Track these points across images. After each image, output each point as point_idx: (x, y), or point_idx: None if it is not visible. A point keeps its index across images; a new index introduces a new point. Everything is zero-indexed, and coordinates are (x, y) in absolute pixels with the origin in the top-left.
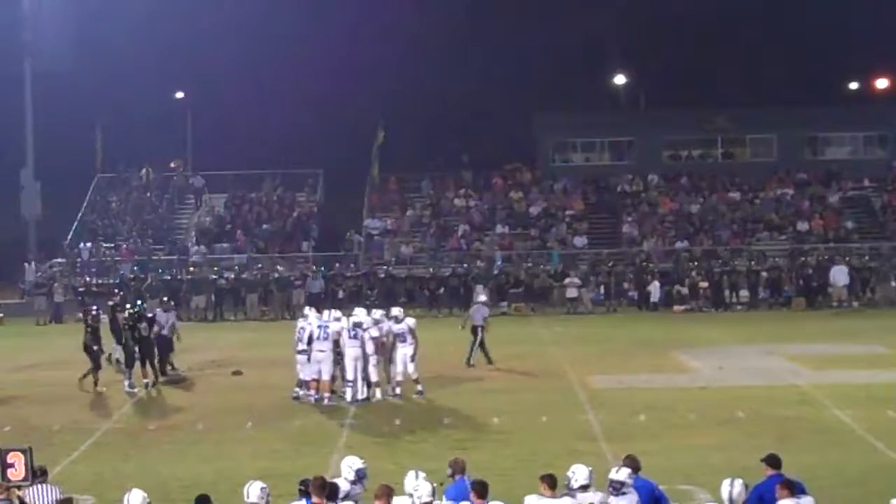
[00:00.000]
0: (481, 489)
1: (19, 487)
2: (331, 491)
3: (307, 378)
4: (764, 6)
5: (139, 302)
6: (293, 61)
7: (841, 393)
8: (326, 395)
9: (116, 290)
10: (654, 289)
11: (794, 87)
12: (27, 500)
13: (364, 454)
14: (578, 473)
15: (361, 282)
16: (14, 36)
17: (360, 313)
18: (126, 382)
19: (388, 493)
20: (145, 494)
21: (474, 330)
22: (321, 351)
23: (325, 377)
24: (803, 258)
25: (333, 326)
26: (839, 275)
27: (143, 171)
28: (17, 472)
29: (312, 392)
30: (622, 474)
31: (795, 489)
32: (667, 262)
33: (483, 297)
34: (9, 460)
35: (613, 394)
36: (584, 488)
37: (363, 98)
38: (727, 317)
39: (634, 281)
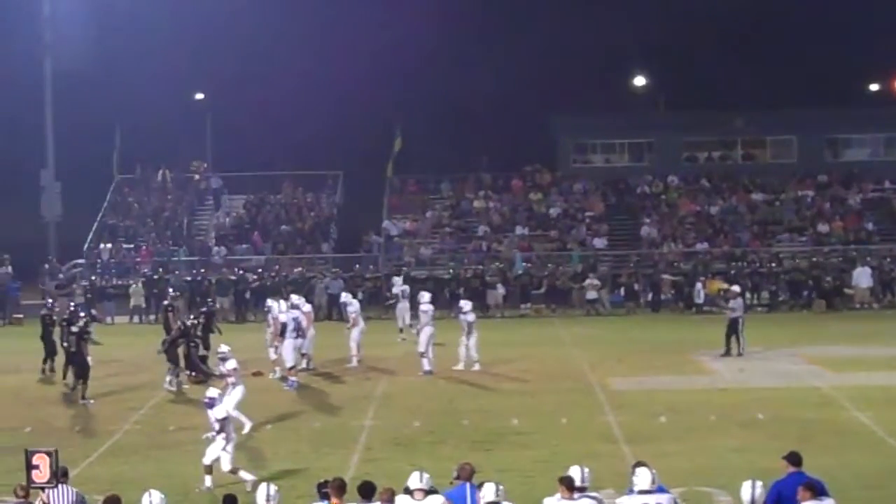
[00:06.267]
0: None
1: (43, 489)
2: (367, 490)
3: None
4: (784, 8)
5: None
6: (313, 63)
7: (861, 395)
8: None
9: (171, 292)
10: (698, 290)
11: (815, 88)
12: (48, 500)
13: (382, 455)
14: (572, 475)
15: (381, 283)
16: (34, 37)
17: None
18: (167, 379)
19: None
20: (164, 495)
21: (734, 322)
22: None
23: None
24: (816, 259)
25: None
26: (862, 276)
27: (161, 172)
28: (41, 474)
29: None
30: (644, 481)
31: (817, 490)
32: (687, 264)
33: (737, 288)
34: (34, 462)
35: (633, 395)
36: (580, 490)
37: (383, 100)
38: (747, 318)
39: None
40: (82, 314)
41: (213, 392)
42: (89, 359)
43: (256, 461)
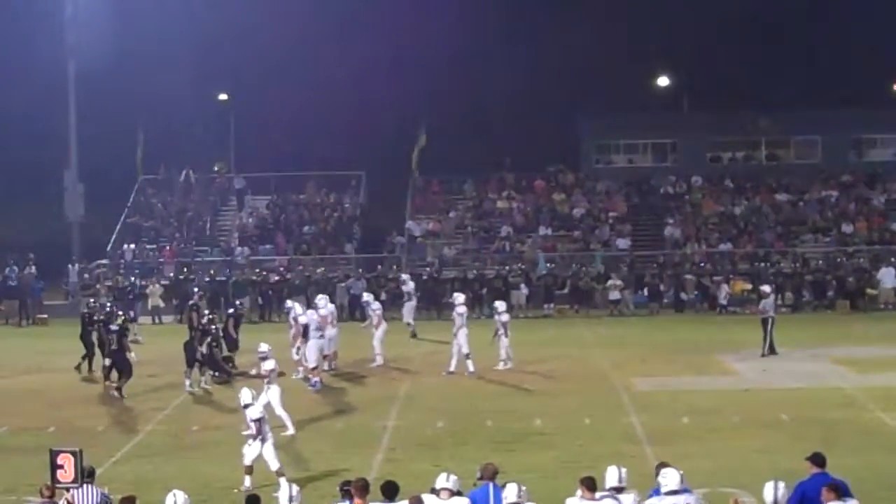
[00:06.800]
0: None
1: (68, 489)
2: (391, 490)
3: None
4: (809, 7)
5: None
6: (336, 64)
7: (886, 396)
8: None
9: (196, 291)
10: (723, 291)
11: (839, 88)
12: (73, 500)
13: (406, 456)
14: (609, 475)
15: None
16: (57, 38)
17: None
18: (188, 382)
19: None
20: (188, 496)
21: (765, 322)
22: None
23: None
24: (840, 259)
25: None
26: (887, 277)
27: (185, 172)
28: (66, 474)
29: (317, 379)
30: (673, 481)
31: (841, 491)
32: (711, 264)
33: (767, 288)
34: (59, 462)
35: (657, 396)
36: (617, 490)
37: (406, 100)
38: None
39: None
40: (119, 312)
41: (246, 393)
42: (132, 355)
43: (280, 460)
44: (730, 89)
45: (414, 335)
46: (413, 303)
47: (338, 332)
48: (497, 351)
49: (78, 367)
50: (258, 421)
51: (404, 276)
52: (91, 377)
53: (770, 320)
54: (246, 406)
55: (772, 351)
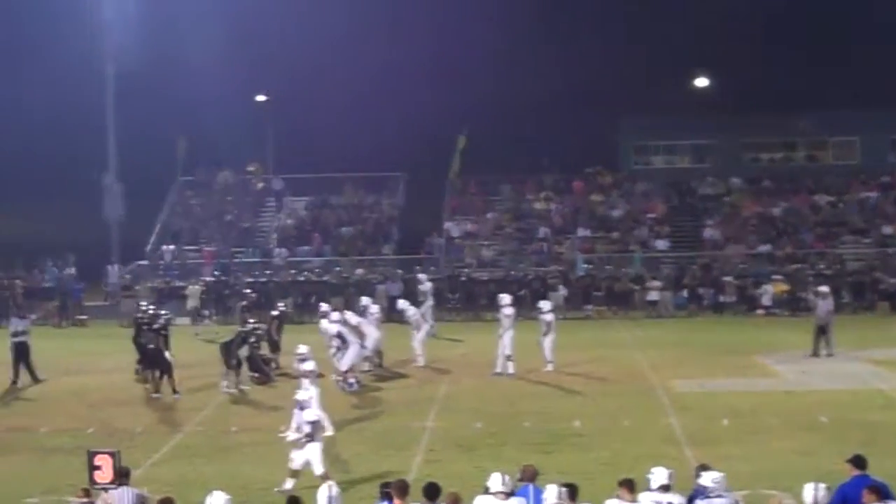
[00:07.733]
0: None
1: (105, 489)
2: (432, 491)
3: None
4: (847, 7)
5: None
6: (375, 64)
7: None
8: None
9: (249, 292)
10: (767, 293)
11: (878, 88)
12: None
13: (445, 457)
14: (658, 475)
15: (442, 285)
16: (96, 40)
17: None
18: (224, 383)
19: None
20: (228, 497)
21: (822, 327)
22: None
23: None
24: (880, 260)
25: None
26: None
27: (222, 174)
28: (104, 475)
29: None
30: (706, 479)
31: (882, 493)
32: (751, 266)
33: (825, 288)
34: (96, 462)
35: (696, 398)
36: (665, 489)
37: (445, 101)
38: (810, 321)
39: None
40: (163, 312)
41: (304, 394)
42: (168, 354)
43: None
44: (768, 90)
45: (433, 335)
46: (430, 303)
47: (378, 335)
48: (542, 353)
49: (137, 371)
50: (313, 423)
51: (421, 276)
52: (142, 379)
53: (829, 321)
54: (303, 407)
55: (815, 353)
